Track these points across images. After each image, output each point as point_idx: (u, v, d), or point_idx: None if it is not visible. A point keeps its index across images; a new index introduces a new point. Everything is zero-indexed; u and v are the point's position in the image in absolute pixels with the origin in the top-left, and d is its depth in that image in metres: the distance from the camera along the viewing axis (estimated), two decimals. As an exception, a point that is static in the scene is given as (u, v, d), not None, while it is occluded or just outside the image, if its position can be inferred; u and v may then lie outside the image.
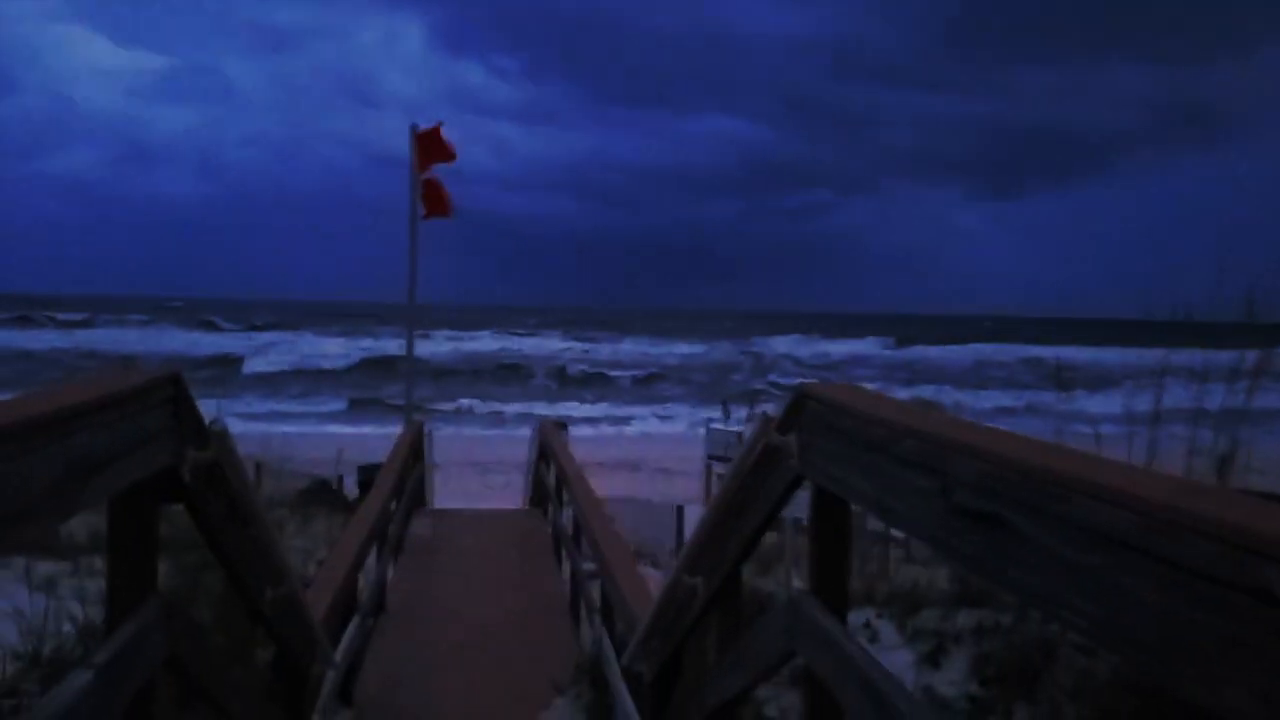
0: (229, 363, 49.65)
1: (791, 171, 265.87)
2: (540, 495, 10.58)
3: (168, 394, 2.06)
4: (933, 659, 5.03)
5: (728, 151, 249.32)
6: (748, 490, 2.63)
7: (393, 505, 7.63)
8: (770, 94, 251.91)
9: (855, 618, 6.21)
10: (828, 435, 2.14)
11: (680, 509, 11.97)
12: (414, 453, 9.92)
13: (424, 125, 13.09)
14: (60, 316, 70.18)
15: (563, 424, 12.31)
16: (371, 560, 6.45)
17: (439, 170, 13.17)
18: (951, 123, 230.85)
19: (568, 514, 7.94)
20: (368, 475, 13.62)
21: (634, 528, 12.96)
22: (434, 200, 13.02)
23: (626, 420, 36.40)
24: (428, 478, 11.33)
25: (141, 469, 1.95)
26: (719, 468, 16.05)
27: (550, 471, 9.51)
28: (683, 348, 69.71)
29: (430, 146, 13.01)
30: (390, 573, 7.16)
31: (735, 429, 16.37)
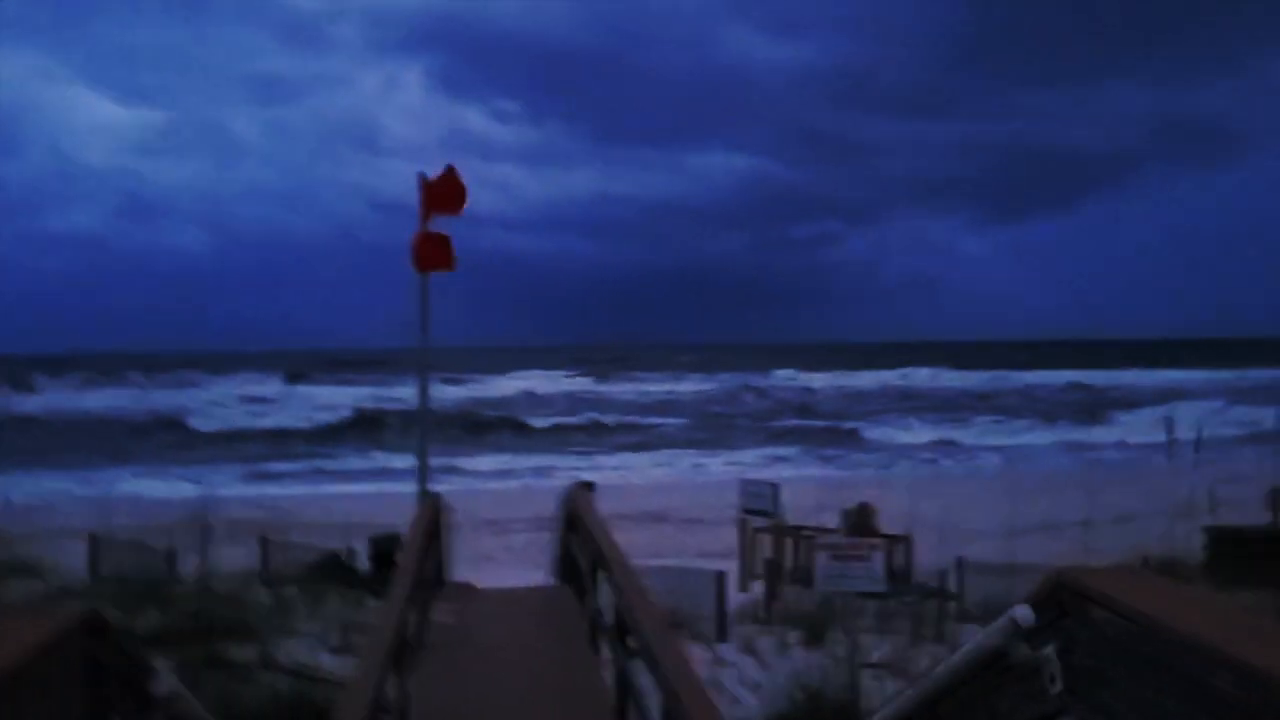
0: (224, 419, 48.92)
1: (798, 203, 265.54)
2: (568, 569, 9.75)
3: (80, 652, 1.27)
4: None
5: (732, 185, 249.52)
6: (966, 698, 1.84)
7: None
8: (773, 126, 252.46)
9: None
10: (1124, 663, 1.36)
11: (721, 576, 11.12)
12: (432, 530, 9.11)
13: (431, 172, 12.38)
14: (52, 379, 69.40)
15: (590, 484, 11.49)
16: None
17: (446, 221, 12.43)
18: (954, 149, 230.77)
19: (604, 595, 7.14)
20: (380, 547, 12.83)
21: (668, 592, 12.11)
22: (433, 254, 12.24)
23: (645, 465, 35.52)
24: (446, 553, 10.50)
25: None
26: (755, 522, 15.21)
27: (581, 544, 8.69)
28: (697, 384, 69.00)
29: (437, 195, 12.28)
30: (413, 681, 6.33)
31: (770, 481, 15.53)
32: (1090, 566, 1.52)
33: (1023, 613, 1.56)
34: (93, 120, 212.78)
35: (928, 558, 13.90)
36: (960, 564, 12.98)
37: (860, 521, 14.45)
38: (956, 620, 11.60)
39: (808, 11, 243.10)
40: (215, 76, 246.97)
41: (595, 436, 45.73)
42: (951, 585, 12.78)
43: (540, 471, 33.54)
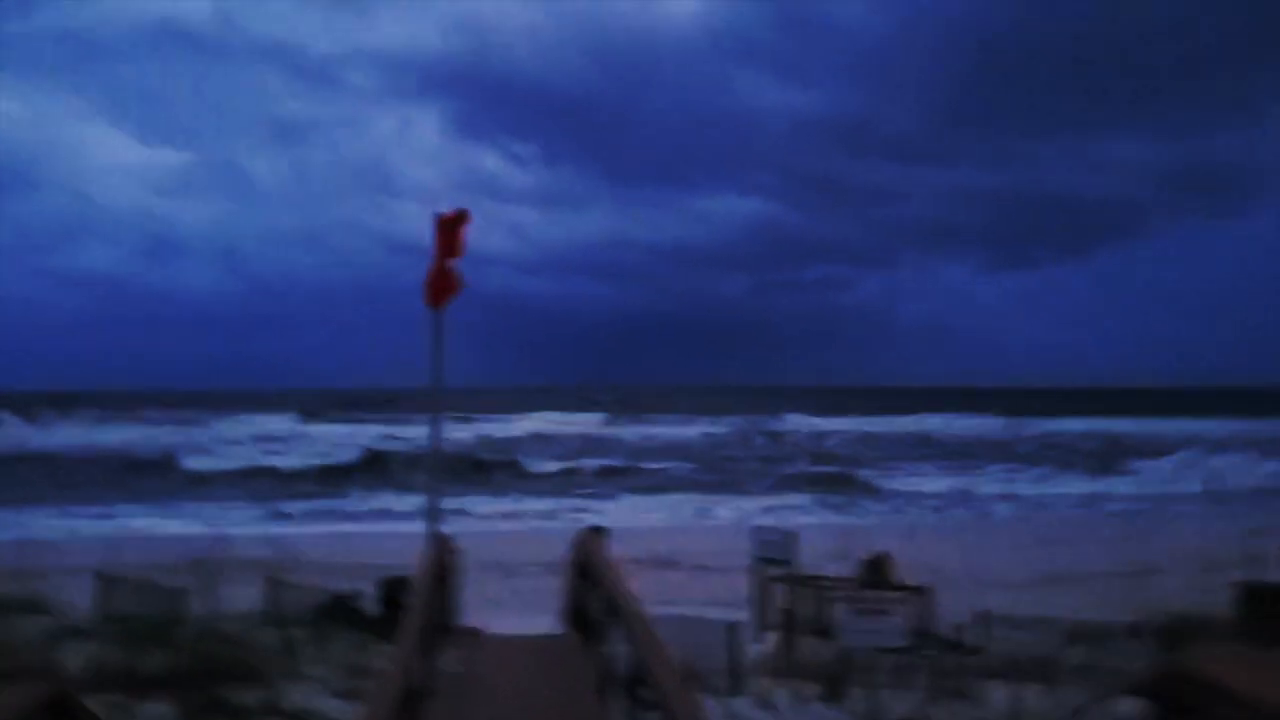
0: (236, 458, 48.80)
1: (808, 246, 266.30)
2: (579, 618, 9.51)
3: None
4: None
5: (743, 228, 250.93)
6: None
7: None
8: (783, 171, 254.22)
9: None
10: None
11: (734, 626, 10.85)
12: (441, 573, 8.90)
13: (448, 212, 12.32)
14: (65, 415, 69.68)
15: (602, 529, 11.26)
16: None
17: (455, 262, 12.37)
18: (967, 196, 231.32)
19: (618, 644, 6.92)
20: (389, 589, 12.61)
21: (678, 642, 11.83)
22: (444, 285, 12.15)
23: (654, 509, 35.18)
24: (454, 597, 10.28)
25: None
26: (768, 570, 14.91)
27: (594, 593, 8.47)
28: (707, 427, 68.66)
29: (450, 235, 12.23)
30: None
31: (784, 528, 15.26)
32: (1212, 651, 1.34)
33: (1128, 710, 1.38)
34: (113, 159, 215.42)
35: (946, 609, 13.59)
36: (987, 617, 12.64)
37: (877, 572, 14.16)
38: (979, 676, 11.26)
39: (816, 59, 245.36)
40: (233, 118, 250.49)
41: (604, 479, 45.39)
42: (972, 638, 12.45)
43: (548, 514, 33.28)
